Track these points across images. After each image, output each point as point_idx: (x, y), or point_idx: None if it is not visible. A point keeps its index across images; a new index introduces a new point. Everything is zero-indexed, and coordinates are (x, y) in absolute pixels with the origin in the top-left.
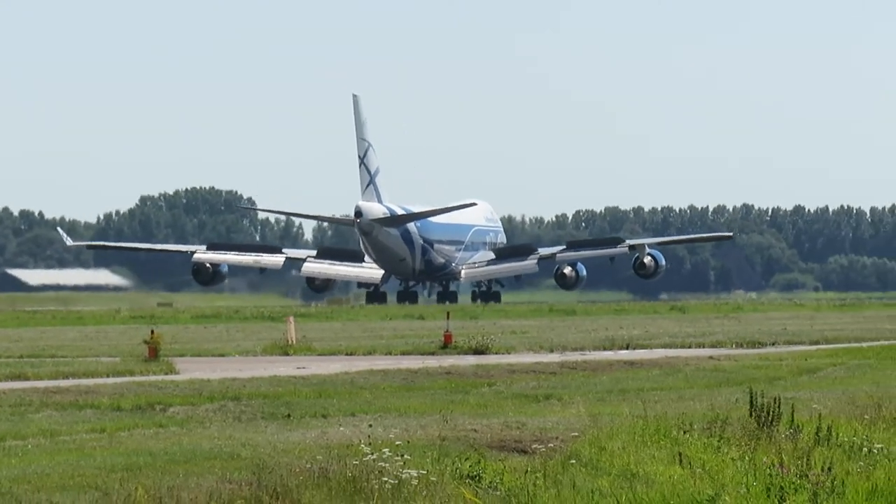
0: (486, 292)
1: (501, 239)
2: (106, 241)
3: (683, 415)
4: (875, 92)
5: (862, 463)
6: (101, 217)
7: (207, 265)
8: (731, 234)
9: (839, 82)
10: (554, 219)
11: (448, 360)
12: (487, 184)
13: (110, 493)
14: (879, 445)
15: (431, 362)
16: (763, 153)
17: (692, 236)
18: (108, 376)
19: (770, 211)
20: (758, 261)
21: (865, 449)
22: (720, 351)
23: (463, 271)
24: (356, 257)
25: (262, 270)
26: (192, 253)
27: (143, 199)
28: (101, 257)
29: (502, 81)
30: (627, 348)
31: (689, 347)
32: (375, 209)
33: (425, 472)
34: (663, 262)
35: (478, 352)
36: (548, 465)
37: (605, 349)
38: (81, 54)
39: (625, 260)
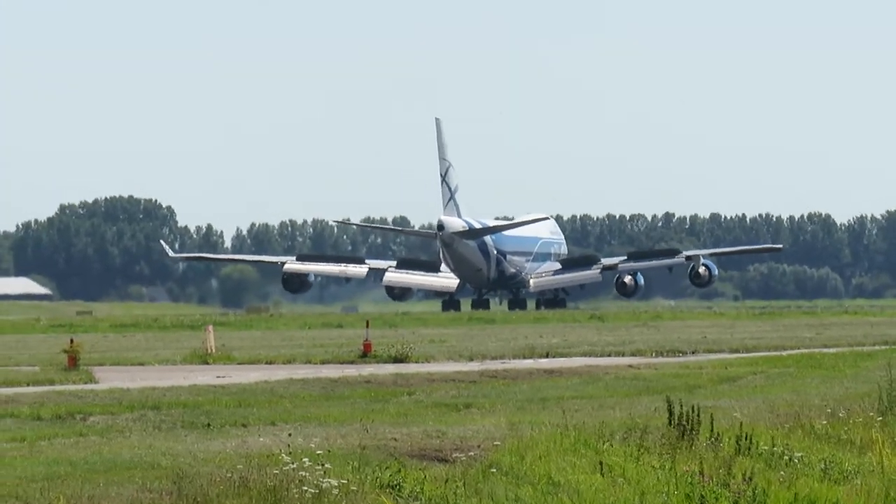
0: (552, 300)
1: (564, 250)
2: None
3: (603, 423)
4: (788, 100)
5: (783, 472)
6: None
7: (297, 275)
8: (780, 246)
9: (755, 91)
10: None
11: (367, 369)
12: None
13: (31, 502)
14: (800, 454)
15: (351, 371)
16: (680, 161)
17: (744, 248)
18: (27, 385)
19: (688, 219)
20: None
21: (786, 458)
22: (640, 359)
23: (532, 280)
24: (433, 267)
25: (348, 280)
26: (283, 264)
27: (62, 208)
28: (22, 266)
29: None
30: (547, 357)
31: (609, 356)
32: (456, 223)
33: (346, 481)
34: (716, 272)
35: (397, 360)
36: (468, 473)
37: (524, 357)
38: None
39: (681, 270)
